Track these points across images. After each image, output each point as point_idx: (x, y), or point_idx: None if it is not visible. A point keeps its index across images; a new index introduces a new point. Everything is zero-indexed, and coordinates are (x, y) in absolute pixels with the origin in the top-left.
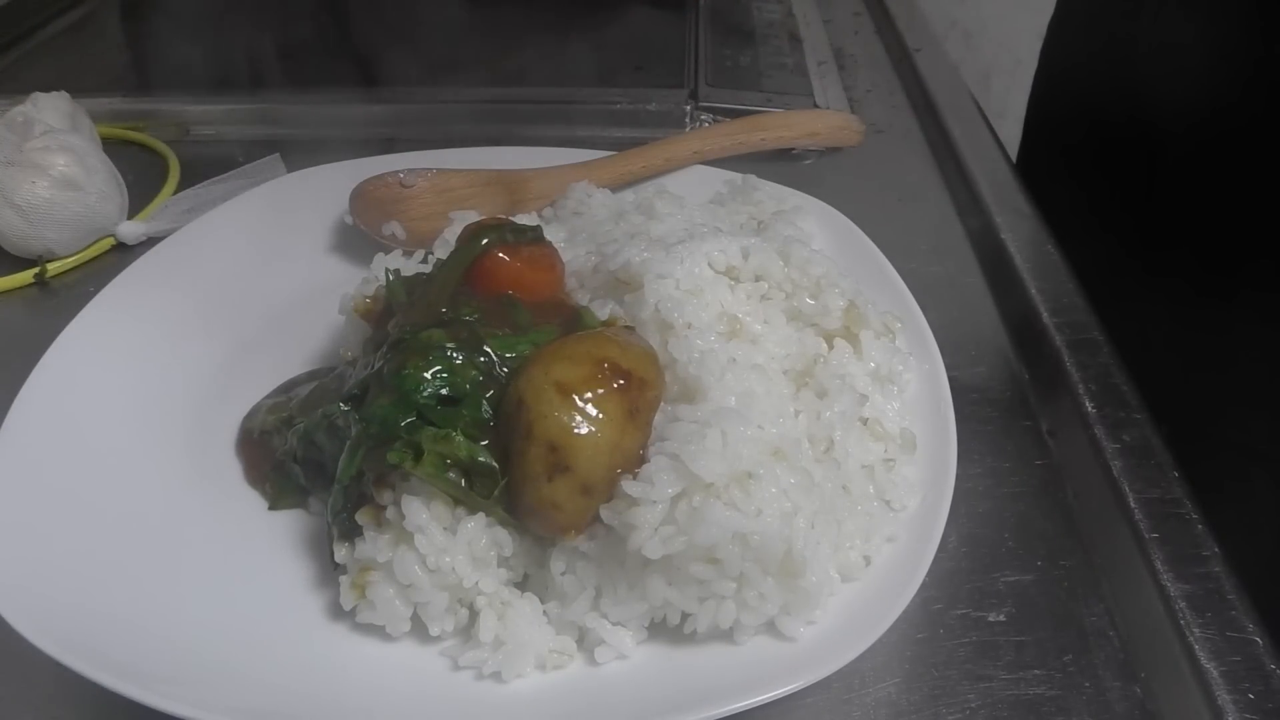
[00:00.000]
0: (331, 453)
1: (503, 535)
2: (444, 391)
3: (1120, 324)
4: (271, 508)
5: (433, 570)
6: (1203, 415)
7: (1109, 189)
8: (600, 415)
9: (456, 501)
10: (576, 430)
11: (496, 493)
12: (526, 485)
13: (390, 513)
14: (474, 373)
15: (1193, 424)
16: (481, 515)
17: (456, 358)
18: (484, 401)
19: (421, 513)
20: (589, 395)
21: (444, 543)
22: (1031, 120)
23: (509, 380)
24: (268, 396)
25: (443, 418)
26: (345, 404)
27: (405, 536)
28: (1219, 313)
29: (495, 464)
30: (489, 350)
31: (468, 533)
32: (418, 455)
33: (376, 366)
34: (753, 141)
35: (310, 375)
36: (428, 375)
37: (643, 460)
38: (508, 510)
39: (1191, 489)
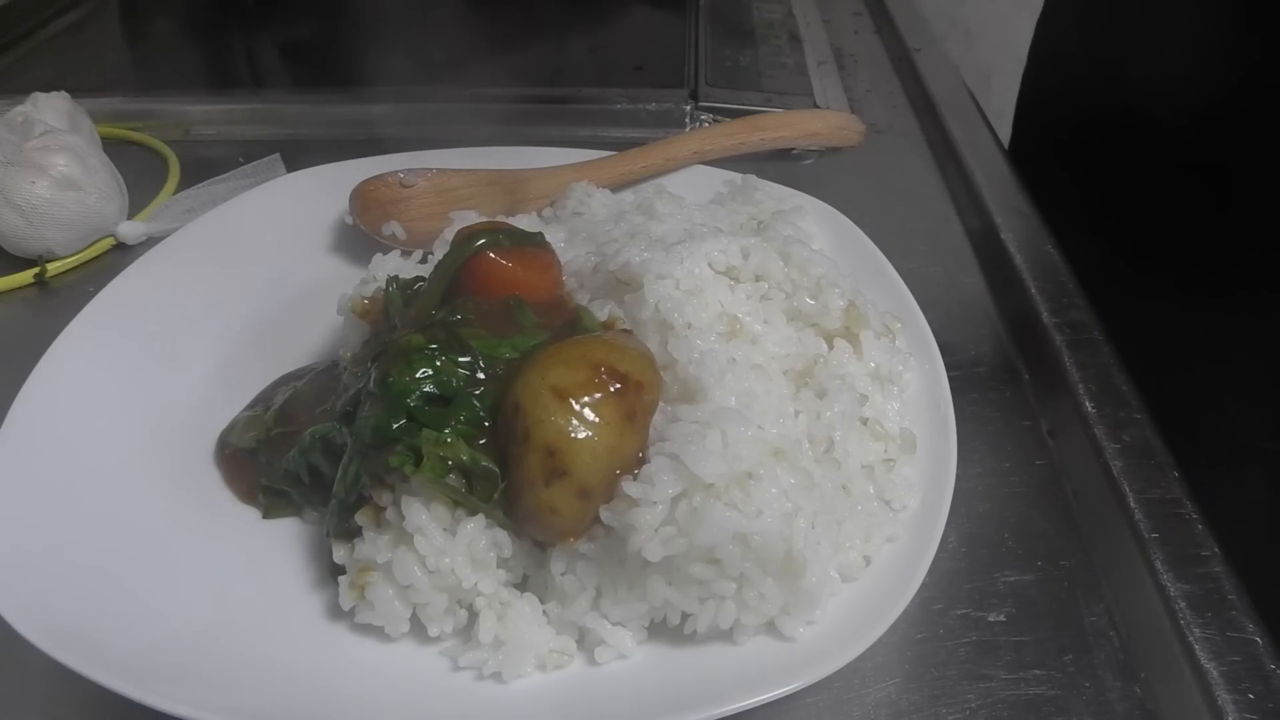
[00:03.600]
0: (330, 472)
1: (502, 536)
2: (430, 389)
3: (1111, 319)
4: (266, 516)
5: (432, 571)
6: (1196, 410)
7: (1099, 183)
8: (597, 419)
9: (456, 503)
10: (573, 434)
11: (496, 496)
12: (524, 490)
13: (390, 513)
14: (460, 370)
15: (1186, 419)
16: (481, 516)
17: (439, 359)
18: (476, 400)
19: (421, 514)
20: (586, 399)
21: (443, 544)
22: (1021, 115)
23: (498, 381)
24: (245, 409)
25: (433, 417)
26: (339, 422)
27: (405, 537)
28: (1210, 308)
29: (496, 468)
30: (473, 349)
31: (467, 534)
32: (418, 459)
33: (364, 380)
34: (753, 141)
35: (297, 375)
36: (412, 378)
37: (642, 462)
38: (507, 514)
39: (1186, 484)
